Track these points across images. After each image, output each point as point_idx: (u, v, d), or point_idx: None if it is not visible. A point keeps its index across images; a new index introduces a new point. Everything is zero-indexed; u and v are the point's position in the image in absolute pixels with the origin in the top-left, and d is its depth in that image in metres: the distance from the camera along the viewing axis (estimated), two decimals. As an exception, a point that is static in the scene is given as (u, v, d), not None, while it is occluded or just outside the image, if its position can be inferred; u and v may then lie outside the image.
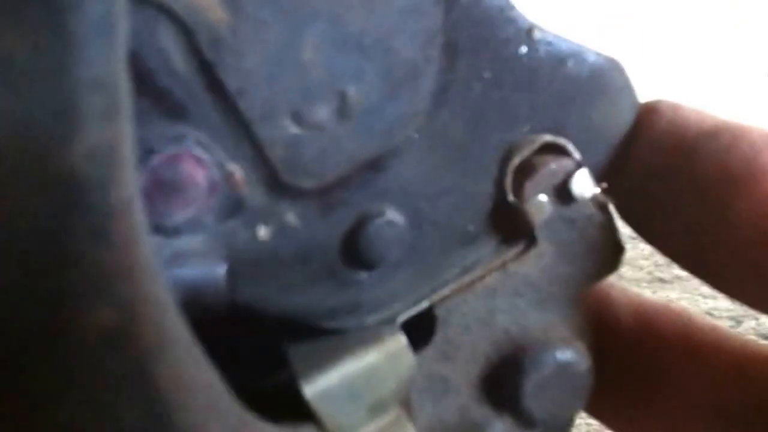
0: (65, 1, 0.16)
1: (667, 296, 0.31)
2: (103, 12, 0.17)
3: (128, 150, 0.18)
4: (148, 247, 0.18)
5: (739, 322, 0.28)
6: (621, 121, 0.28)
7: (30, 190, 0.17)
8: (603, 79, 0.28)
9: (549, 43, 0.27)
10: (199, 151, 0.25)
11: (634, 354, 0.31)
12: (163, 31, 0.24)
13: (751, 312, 0.28)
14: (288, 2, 0.24)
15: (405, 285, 0.27)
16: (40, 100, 0.16)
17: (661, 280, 0.29)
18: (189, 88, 0.24)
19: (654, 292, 0.33)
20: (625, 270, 0.29)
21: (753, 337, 0.31)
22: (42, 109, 0.16)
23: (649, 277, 0.29)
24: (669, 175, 0.28)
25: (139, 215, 0.18)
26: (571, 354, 0.28)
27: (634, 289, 0.31)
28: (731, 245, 0.26)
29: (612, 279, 0.30)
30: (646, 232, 0.29)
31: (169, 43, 0.24)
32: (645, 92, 0.28)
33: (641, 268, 0.29)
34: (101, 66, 0.17)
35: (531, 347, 0.28)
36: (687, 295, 0.28)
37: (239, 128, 0.25)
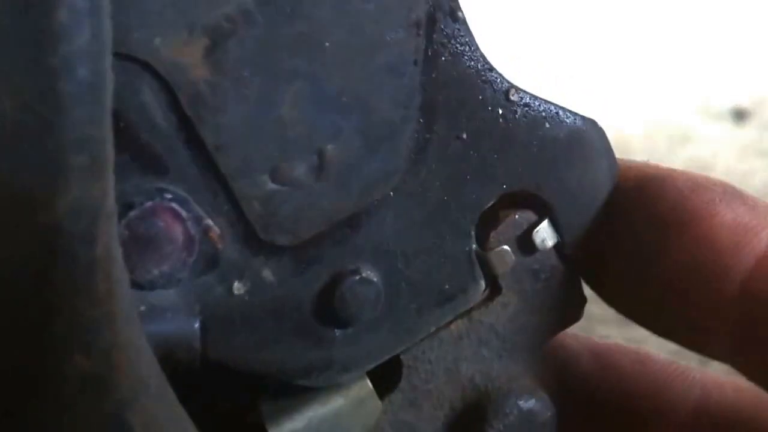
0: (55, 63, 0.19)
1: (633, 336, 0.34)
2: (92, 75, 0.19)
3: (111, 204, 0.20)
4: (128, 297, 0.21)
5: (705, 362, 0.31)
6: (599, 181, 0.31)
7: (15, 242, 0.19)
8: (580, 141, 0.30)
9: (526, 105, 0.30)
10: (176, 206, 0.27)
11: (596, 396, 0.34)
12: (145, 87, 0.26)
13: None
14: (268, 61, 0.27)
15: (379, 344, 0.30)
16: (27, 158, 0.19)
17: (629, 320, 0.32)
18: (168, 143, 0.27)
19: (621, 331, 0.36)
20: (592, 308, 0.32)
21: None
22: (29, 166, 0.19)
23: (617, 317, 0.31)
24: (609, 228, 0.31)
25: (120, 267, 0.20)
26: (534, 402, 0.31)
27: (599, 329, 0.34)
28: (665, 287, 0.29)
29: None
30: (596, 284, 0.32)
31: (150, 98, 0.26)
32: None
33: (609, 307, 0.32)
34: (88, 127, 0.19)
35: (495, 396, 0.31)
36: (653, 335, 0.31)
37: (217, 183, 0.27)
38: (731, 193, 0.29)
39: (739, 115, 1.25)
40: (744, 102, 1.26)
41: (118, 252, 0.21)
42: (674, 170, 0.30)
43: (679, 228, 0.29)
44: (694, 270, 0.28)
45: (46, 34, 0.19)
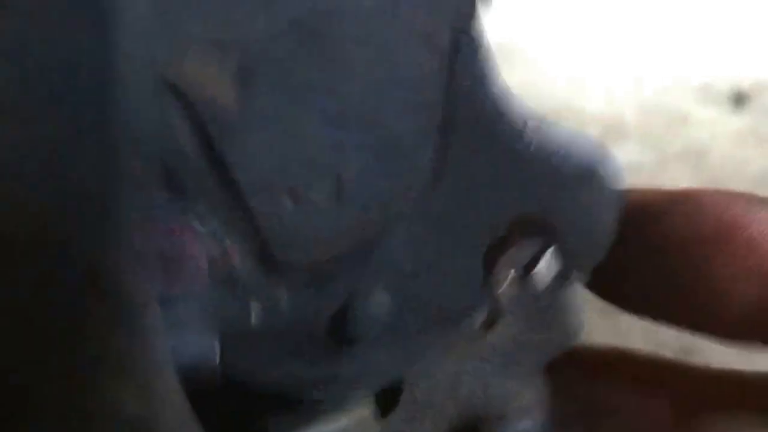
0: None
1: (616, 325, 0.35)
2: None
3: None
4: (158, 320, 0.21)
5: (687, 354, 0.33)
6: (608, 209, 0.32)
7: (52, 274, 0.20)
8: (592, 170, 0.31)
9: (541, 133, 0.30)
10: (197, 225, 0.27)
11: (596, 398, 0.36)
12: (167, 105, 0.27)
13: (699, 344, 0.34)
14: (291, 80, 0.27)
15: (388, 363, 0.31)
16: None
17: (613, 309, 0.33)
18: (189, 161, 0.27)
19: (604, 321, 0.38)
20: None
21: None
22: None
23: (598, 306, 0.33)
24: (635, 244, 0.32)
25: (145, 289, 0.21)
26: (528, 424, 0.33)
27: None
28: (711, 299, 0.31)
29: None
30: (617, 298, 0.34)
31: (171, 116, 0.27)
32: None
33: (589, 298, 0.33)
34: None
35: (492, 415, 0.33)
36: (638, 325, 0.33)
37: (237, 203, 0.28)
38: (761, 201, 0.31)
39: (739, 100, 1.25)
40: (744, 86, 1.26)
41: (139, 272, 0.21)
42: (703, 188, 0.32)
43: (719, 242, 0.31)
44: (744, 275, 0.30)
45: None
